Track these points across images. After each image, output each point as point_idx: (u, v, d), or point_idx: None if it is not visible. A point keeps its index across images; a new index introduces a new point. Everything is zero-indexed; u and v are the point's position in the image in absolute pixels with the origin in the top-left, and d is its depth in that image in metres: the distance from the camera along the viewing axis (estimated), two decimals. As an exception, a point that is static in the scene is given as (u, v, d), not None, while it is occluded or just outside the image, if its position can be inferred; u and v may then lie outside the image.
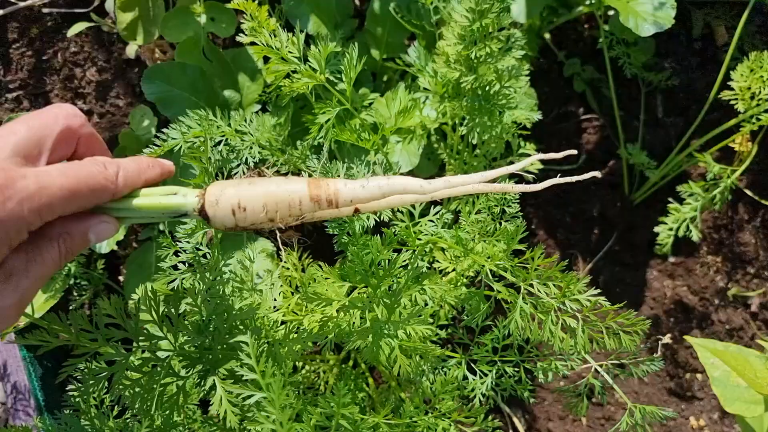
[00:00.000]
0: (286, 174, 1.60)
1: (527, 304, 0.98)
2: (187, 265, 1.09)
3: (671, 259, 2.20)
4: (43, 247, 0.72)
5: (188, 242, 1.14)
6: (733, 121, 1.78)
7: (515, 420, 1.95)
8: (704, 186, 1.88)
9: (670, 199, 1.94)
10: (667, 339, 1.22)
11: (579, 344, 0.92)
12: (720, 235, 2.19)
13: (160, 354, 1.06)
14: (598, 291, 0.96)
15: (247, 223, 0.77)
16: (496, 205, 1.22)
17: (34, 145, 0.73)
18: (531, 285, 0.99)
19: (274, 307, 1.31)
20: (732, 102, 1.70)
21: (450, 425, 1.24)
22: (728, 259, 2.17)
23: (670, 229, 1.92)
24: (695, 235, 1.86)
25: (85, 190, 0.72)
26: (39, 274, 0.71)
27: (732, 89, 1.71)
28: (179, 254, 1.10)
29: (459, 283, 1.36)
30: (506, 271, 1.05)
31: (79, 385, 1.01)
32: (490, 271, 1.05)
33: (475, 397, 1.27)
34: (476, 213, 1.22)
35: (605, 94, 2.31)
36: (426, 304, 1.33)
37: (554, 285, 0.98)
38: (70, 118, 0.77)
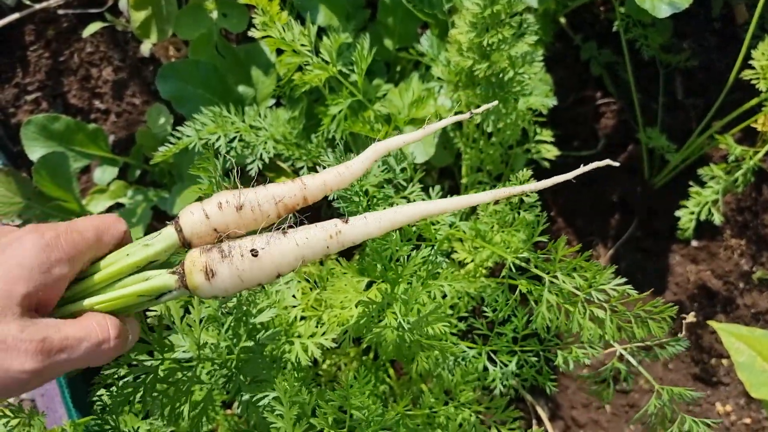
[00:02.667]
0: (301, 168, 1.60)
1: (553, 295, 0.97)
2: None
3: (694, 244, 2.16)
4: (82, 319, 0.75)
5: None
6: (754, 101, 1.74)
7: (538, 408, 1.94)
8: (726, 168, 1.84)
9: (692, 183, 1.91)
10: (691, 317, 1.19)
11: (608, 334, 0.92)
12: (744, 217, 2.15)
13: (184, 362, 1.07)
14: (624, 280, 0.95)
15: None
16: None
17: None
18: (555, 276, 0.97)
19: (293, 305, 1.32)
20: (753, 81, 1.66)
21: (470, 415, 1.24)
22: (753, 241, 2.13)
23: (692, 213, 1.88)
24: (717, 219, 1.83)
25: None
26: (73, 332, 0.72)
27: (753, 68, 1.67)
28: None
29: (478, 274, 1.36)
30: (528, 263, 1.04)
31: (107, 392, 1.03)
32: (513, 264, 1.04)
33: (495, 387, 1.27)
34: (494, 204, 1.20)
35: (623, 78, 2.27)
36: (445, 296, 1.33)
37: (579, 276, 0.97)
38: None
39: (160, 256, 0.80)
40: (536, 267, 1.01)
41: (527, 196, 1.24)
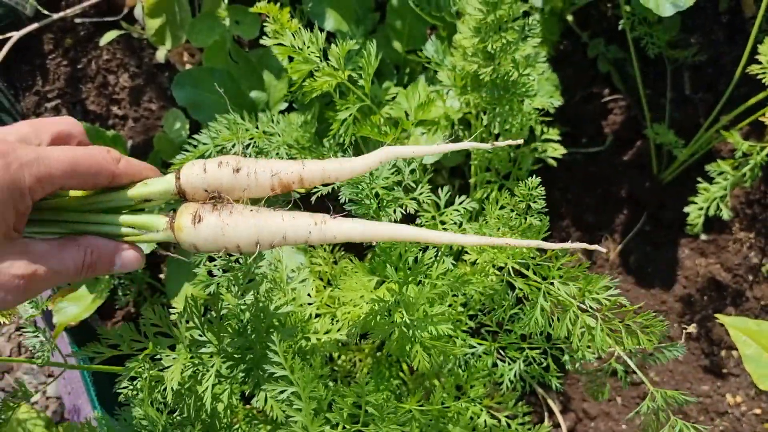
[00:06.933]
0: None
1: (548, 302, 1.00)
2: (222, 271, 1.14)
3: (703, 237, 2.18)
4: (67, 247, 0.80)
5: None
6: (762, 95, 1.75)
7: (550, 401, 1.98)
8: (733, 163, 1.86)
9: (700, 179, 1.93)
10: (692, 329, 1.23)
11: (597, 342, 0.95)
12: (753, 210, 2.17)
13: (205, 358, 1.12)
14: (617, 291, 0.98)
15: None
16: (521, 201, 1.24)
17: (34, 136, 0.81)
18: (552, 283, 1.01)
19: (309, 302, 1.37)
20: (760, 76, 1.68)
21: (481, 410, 1.28)
22: (762, 234, 2.15)
23: (700, 209, 1.90)
24: (725, 214, 1.85)
25: (84, 166, 0.79)
26: (56, 267, 0.77)
27: (760, 63, 1.68)
28: (213, 259, 1.16)
29: (483, 273, 1.39)
30: (528, 269, 1.07)
31: (131, 385, 1.08)
32: (512, 268, 1.08)
33: (503, 383, 1.31)
34: (500, 209, 1.24)
35: (631, 74, 2.29)
36: (456, 296, 1.37)
37: (574, 285, 1.00)
38: (70, 125, 0.85)
39: (155, 197, 0.87)
40: (534, 273, 1.05)
41: (534, 202, 1.27)
